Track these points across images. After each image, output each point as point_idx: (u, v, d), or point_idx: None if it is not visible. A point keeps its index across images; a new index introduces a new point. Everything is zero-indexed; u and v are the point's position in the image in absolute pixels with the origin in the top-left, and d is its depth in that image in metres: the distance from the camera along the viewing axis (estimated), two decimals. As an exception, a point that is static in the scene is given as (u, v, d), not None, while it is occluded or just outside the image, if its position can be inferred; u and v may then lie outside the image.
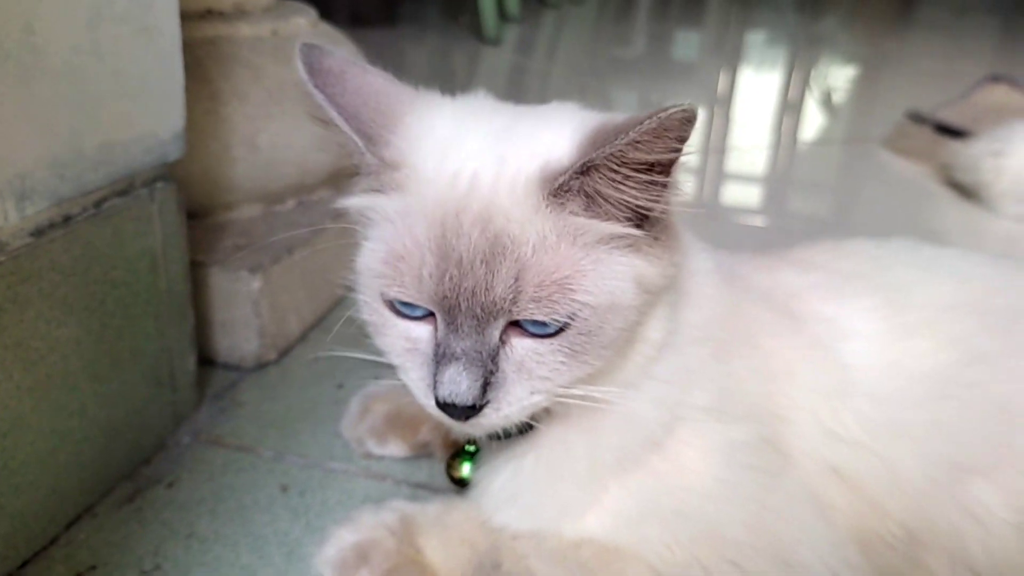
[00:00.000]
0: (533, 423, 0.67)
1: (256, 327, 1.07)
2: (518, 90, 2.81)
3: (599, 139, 0.58)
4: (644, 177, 0.58)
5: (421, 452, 0.93)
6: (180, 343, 0.96)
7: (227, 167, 1.16)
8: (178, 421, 0.98)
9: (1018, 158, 1.64)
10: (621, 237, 0.60)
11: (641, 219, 0.61)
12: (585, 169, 0.57)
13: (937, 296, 0.80)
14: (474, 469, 0.79)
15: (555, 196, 0.58)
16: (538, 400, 0.62)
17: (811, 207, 1.96)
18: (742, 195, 1.99)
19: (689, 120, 0.54)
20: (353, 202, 0.63)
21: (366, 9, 3.59)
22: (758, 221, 1.77)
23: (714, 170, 2.11)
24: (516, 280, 0.57)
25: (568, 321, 0.59)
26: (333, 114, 0.59)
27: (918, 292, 0.81)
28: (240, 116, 1.16)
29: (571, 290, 0.59)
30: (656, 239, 0.63)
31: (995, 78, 2.49)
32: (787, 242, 0.91)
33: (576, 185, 0.58)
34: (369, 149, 0.60)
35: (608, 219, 0.59)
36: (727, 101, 2.95)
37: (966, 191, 1.76)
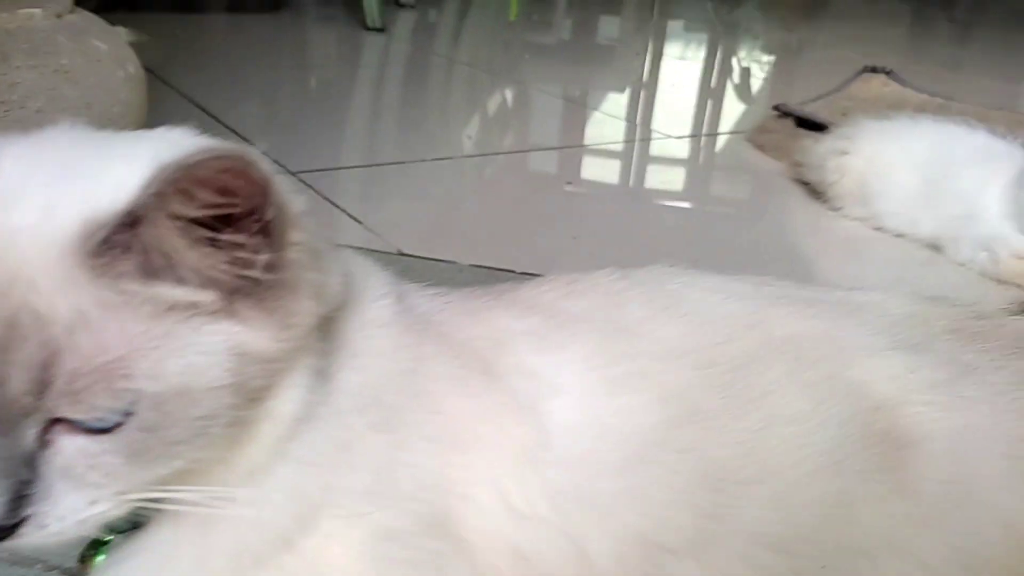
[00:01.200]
0: (139, 522, 0.56)
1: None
2: (416, 84, 2.67)
3: (150, 183, 0.46)
4: (202, 233, 0.47)
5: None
6: None
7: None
8: None
9: (862, 158, 1.58)
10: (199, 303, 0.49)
11: (239, 279, 0.49)
12: (132, 221, 0.45)
13: (661, 342, 0.70)
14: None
15: (98, 256, 0.46)
16: (103, 509, 0.50)
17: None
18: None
19: (232, 171, 0.44)
20: None
21: (248, -7, 3.38)
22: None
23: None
24: (43, 370, 0.45)
25: (121, 419, 0.48)
26: None
27: (642, 337, 0.70)
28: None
29: (122, 377, 0.47)
30: (261, 300, 0.51)
31: (872, 69, 2.45)
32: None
33: (123, 241, 0.46)
34: None
35: (179, 283, 0.48)
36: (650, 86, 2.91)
37: (814, 190, 1.70)
